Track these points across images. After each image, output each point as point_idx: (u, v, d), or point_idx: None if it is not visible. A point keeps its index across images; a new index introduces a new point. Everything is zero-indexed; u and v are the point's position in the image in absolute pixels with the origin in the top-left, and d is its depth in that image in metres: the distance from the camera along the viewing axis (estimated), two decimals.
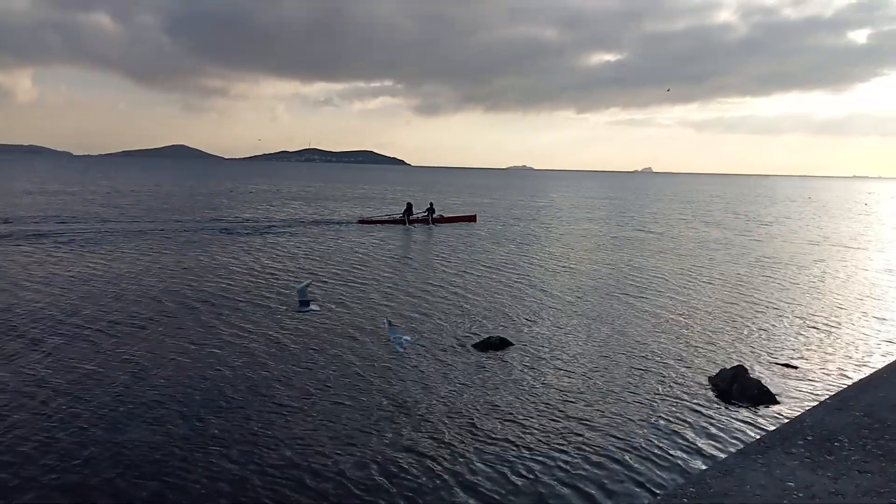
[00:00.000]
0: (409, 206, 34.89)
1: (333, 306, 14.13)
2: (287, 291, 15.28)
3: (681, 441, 7.70)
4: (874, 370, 4.60)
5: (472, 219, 36.79)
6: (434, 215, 34.82)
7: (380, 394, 9.04)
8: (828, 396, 4.08)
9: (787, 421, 3.81)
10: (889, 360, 10.81)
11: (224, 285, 16.04)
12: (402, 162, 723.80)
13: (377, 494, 6.38)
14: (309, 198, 55.75)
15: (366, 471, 6.82)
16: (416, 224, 33.61)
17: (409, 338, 11.43)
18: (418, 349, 11.16)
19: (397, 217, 34.26)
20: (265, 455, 7.12)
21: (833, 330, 13.23)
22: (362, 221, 33.61)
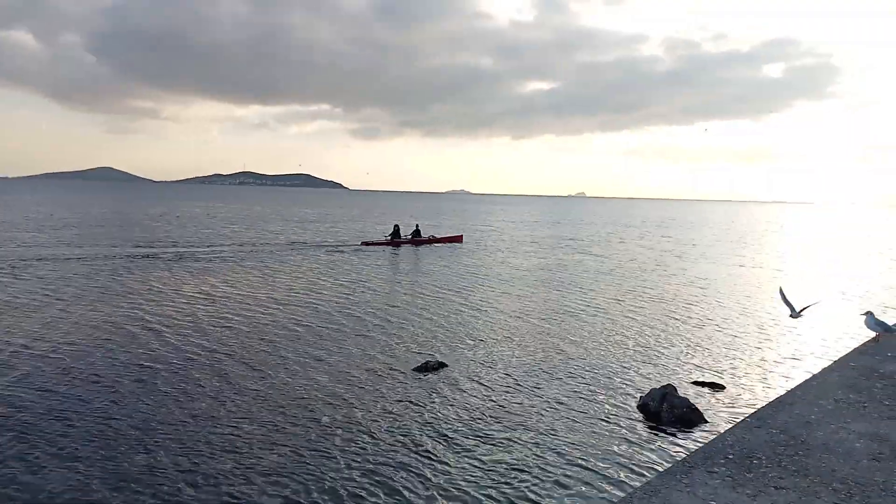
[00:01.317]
0: (397, 228, 36.50)
1: (286, 328, 13.79)
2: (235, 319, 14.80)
3: (610, 462, 7.80)
4: (792, 387, 4.81)
5: (458, 239, 38.95)
6: (421, 237, 36.52)
7: (312, 417, 8.82)
8: (748, 415, 4.23)
9: (710, 440, 3.92)
10: (808, 375, 11.37)
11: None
12: (339, 185, 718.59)
13: None
14: (247, 222, 54.52)
15: (301, 488, 6.61)
16: (402, 245, 35.12)
17: None
18: (354, 373, 11.01)
19: (386, 239, 35.71)
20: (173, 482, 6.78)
21: (758, 348, 13.80)
22: (365, 244, 35.01)
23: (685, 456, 3.64)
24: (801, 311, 7.62)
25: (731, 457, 3.45)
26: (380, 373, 11.27)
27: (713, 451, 3.56)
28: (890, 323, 6.38)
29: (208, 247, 31.79)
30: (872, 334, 6.48)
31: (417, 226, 38.47)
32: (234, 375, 10.88)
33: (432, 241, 37.19)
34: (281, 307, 16.79)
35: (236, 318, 15.26)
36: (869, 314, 6.46)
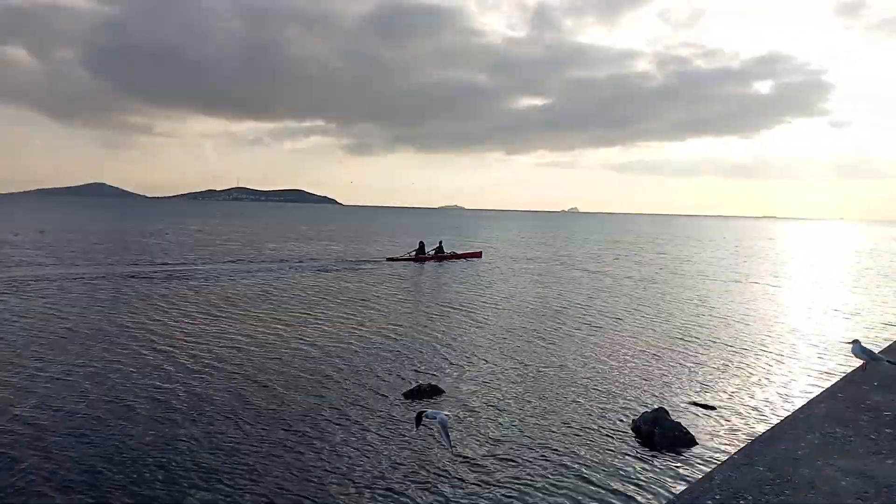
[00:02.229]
0: (422, 244, 38.31)
1: (276, 346, 13.75)
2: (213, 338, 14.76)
3: (602, 490, 7.79)
4: (780, 418, 4.86)
5: (478, 255, 40.29)
6: (444, 253, 38.25)
7: (297, 446, 8.78)
8: (736, 451, 4.27)
9: (698, 478, 3.95)
10: (799, 397, 11.43)
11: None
12: (333, 201, 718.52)
13: None
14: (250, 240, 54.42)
15: None
16: (427, 261, 36.78)
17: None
18: (345, 398, 10.99)
19: (412, 255, 37.24)
20: None
21: (751, 368, 13.84)
22: (390, 259, 36.65)
23: (673, 498, 3.67)
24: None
25: (718, 497, 3.49)
26: (367, 397, 11.20)
27: (700, 490, 3.59)
28: (876, 350, 6.45)
29: (210, 265, 31.67)
30: (860, 362, 6.54)
31: (441, 242, 39.88)
32: (222, 399, 10.82)
33: (453, 257, 38.63)
34: (283, 326, 16.74)
35: (243, 339, 15.18)
36: (856, 342, 6.52)
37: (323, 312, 19.28)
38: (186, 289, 23.36)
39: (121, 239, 50.45)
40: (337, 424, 9.85)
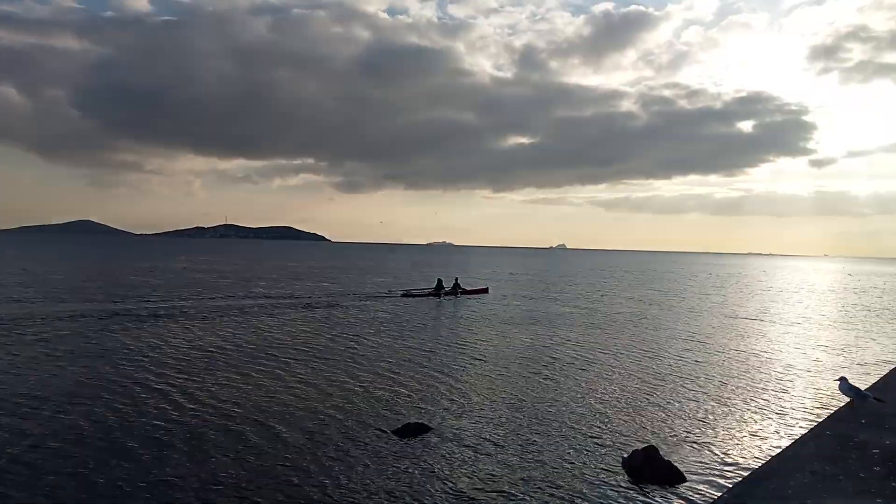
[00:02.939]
0: (440, 281, 40.68)
1: (270, 384, 13.56)
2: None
3: None
4: (770, 456, 4.86)
5: (485, 291, 43.00)
6: (458, 289, 40.69)
7: (282, 481, 8.62)
8: (725, 491, 4.27)
9: None
10: (788, 434, 11.41)
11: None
12: (322, 238, 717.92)
13: None
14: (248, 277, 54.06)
15: None
16: (447, 297, 39.15)
17: None
18: (335, 435, 10.84)
19: (430, 291, 39.73)
20: None
21: (741, 405, 13.84)
22: (405, 295, 38.56)
23: None
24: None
25: None
26: (357, 435, 11.07)
27: None
28: (863, 388, 6.51)
29: (195, 300, 31.39)
30: (847, 399, 6.59)
31: (457, 279, 42.36)
32: (214, 437, 10.64)
33: (465, 293, 41.01)
34: (278, 360, 16.57)
35: (235, 378, 14.99)
36: (842, 379, 6.58)
37: (318, 350, 19.13)
38: (175, 326, 23.12)
39: (104, 275, 49.99)
40: (326, 463, 9.70)
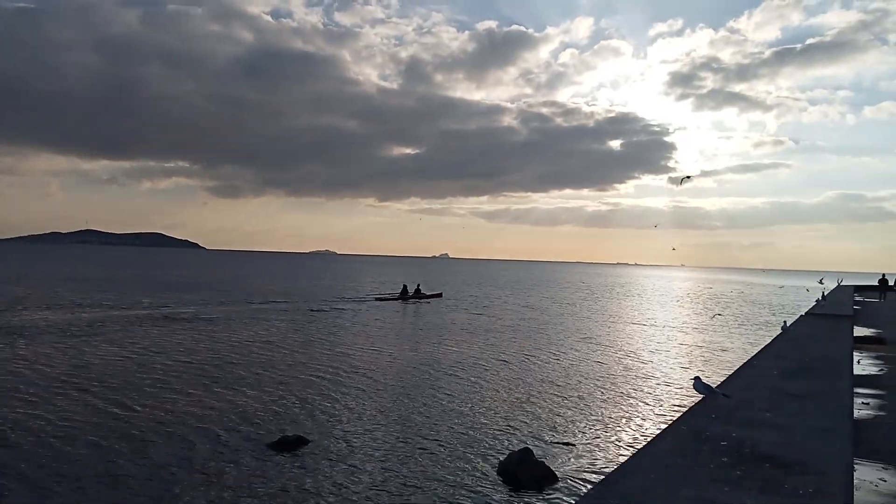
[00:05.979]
0: (405, 287, 46.61)
1: (118, 397, 12.48)
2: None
3: None
4: (632, 452, 5.15)
5: (439, 295, 49.17)
6: (420, 294, 46.53)
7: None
8: (591, 486, 4.41)
9: None
10: (650, 430, 12.18)
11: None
12: (195, 245, 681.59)
13: None
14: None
15: None
16: (412, 300, 44.49)
17: None
18: (208, 450, 10.20)
19: (396, 295, 45.20)
20: None
21: (606, 405, 14.60)
22: (378, 299, 43.65)
23: None
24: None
25: None
26: (231, 450, 10.51)
27: None
28: (714, 385, 7.06)
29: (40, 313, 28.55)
30: (700, 396, 7.10)
31: (419, 285, 49.43)
32: (60, 456, 9.67)
33: (424, 296, 46.62)
34: (161, 376, 15.34)
35: (102, 393, 13.69)
36: (696, 378, 7.09)
37: (197, 363, 17.99)
38: (23, 341, 20.92)
39: None
40: (198, 481, 9.09)
